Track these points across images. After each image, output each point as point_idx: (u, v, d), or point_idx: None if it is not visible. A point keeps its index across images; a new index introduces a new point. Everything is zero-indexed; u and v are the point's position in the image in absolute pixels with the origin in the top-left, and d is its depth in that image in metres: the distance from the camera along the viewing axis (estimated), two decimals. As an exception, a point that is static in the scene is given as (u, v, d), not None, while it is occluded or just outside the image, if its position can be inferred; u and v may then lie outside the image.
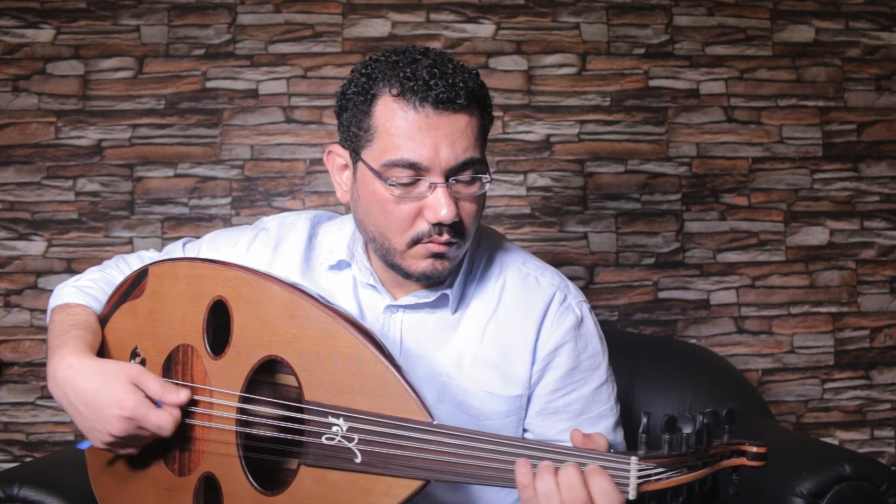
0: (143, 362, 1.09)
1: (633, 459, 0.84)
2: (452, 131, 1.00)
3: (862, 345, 2.18)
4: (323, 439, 0.95)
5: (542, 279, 1.17)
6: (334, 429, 0.94)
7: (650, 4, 2.16)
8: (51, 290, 1.81)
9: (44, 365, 2.00)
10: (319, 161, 2.06)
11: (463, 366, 1.12)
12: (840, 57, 2.19)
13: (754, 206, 2.16)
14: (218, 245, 1.23)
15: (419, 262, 1.06)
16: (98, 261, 2.00)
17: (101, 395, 0.99)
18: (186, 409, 1.02)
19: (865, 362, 2.17)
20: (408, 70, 1.00)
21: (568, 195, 2.13)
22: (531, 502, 0.86)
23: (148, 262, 1.17)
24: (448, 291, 1.13)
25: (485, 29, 2.13)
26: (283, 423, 1.01)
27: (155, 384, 1.01)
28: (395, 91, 1.00)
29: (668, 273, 2.14)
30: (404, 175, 1.00)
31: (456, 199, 1.02)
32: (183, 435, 1.04)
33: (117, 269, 1.24)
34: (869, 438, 2.17)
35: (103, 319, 1.15)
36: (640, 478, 0.84)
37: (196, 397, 1.03)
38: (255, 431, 1.01)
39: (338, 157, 1.11)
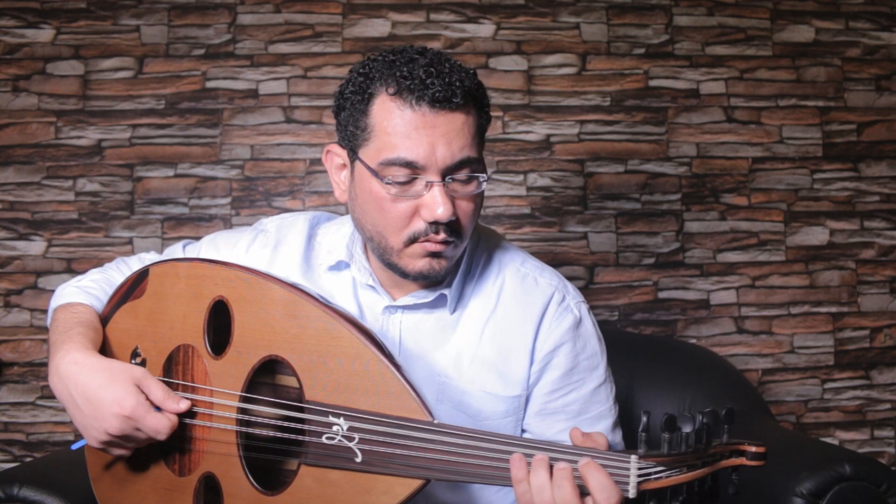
0: (143, 362, 1.09)
1: (633, 458, 0.84)
2: (449, 130, 1.00)
3: (862, 345, 2.18)
4: (323, 439, 0.95)
5: (541, 279, 1.17)
6: (335, 428, 0.95)
7: (650, 4, 2.16)
8: (51, 291, 1.82)
9: (44, 365, 2.01)
10: (319, 161, 2.06)
11: (461, 366, 1.13)
12: (840, 57, 2.19)
13: (754, 206, 2.16)
14: (218, 246, 1.24)
15: (416, 261, 1.06)
16: (98, 261, 2.03)
17: (102, 391, 0.99)
18: (186, 410, 1.03)
19: (865, 362, 2.17)
20: (405, 69, 1.00)
21: (568, 195, 2.13)
22: (525, 497, 0.86)
23: (148, 263, 1.18)
24: (446, 291, 1.13)
25: (485, 29, 2.13)
26: (283, 423, 1.01)
27: (158, 389, 1.01)
28: (391, 90, 1.00)
29: (668, 273, 2.14)
30: (401, 174, 1.01)
31: (453, 198, 1.03)
32: (183, 435, 1.04)
33: (118, 271, 1.24)
34: (869, 438, 2.17)
35: (104, 319, 1.15)
36: (639, 476, 0.84)
37: (197, 397, 1.04)
38: (255, 431, 1.01)
39: (336, 156, 1.11)
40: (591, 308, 1.20)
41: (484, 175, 1.05)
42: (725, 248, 2.16)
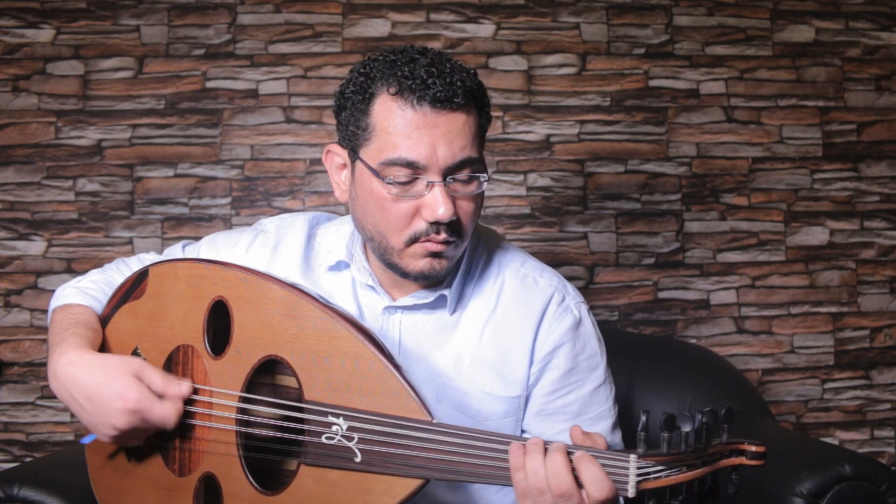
0: (142, 362, 1.09)
1: (633, 457, 0.84)
2: (450, 130, 1.00)
3: (862, 345, 2.18)
4: (323, 439, 0.95)
5: (541, 280, 1.17)
6: (334, 428, 0.95)
7: (650, 4, 2.16)
8: (51, 291, 1.82)
9: (44, 365, 2.01)
10: (319, 161, 2.06)
11: (461, 366, 1.12)
12: (840, 57, 2.19)
13: (754, 206, 2.16)
14: (217, 246, 1.24)
15: (417, 262, 1.06)
16: (98, 261, 2.03)
17: (103, 388, 0.99)
18: (186, 409, 1.03)
19: (865, 362, 2.17)
20: (406, 69, 1.00)
21: (568, 195, 2.13)
22: (522, 484, 0.86)
23: (148, 263, 1.18)
24: (446, 292, 1.13)
25: (485, 29, 2.13)
26: (283, 423, 1.01)
27: (157, 377, 1.01)
28: (392, 90, 1.00)
29: (668, 273, 2.14)
30: (402, 174, 1.01)
31: (453, 198, 1.03)
32: (183, 435, 1.04)
33: (118, 271, 1.24)
34: (869, 438, 2.17)
35: (104, 320, 1.15)
36: (639, 476, 0.84)
37: (196, 397, 1.04)
38: (255, 431, 1.01)
39: (336, 156, 1.11)
40: (591, 308, 1.20)
41: (485, 175, 1.05)
42: (725, 248, 2.16)
